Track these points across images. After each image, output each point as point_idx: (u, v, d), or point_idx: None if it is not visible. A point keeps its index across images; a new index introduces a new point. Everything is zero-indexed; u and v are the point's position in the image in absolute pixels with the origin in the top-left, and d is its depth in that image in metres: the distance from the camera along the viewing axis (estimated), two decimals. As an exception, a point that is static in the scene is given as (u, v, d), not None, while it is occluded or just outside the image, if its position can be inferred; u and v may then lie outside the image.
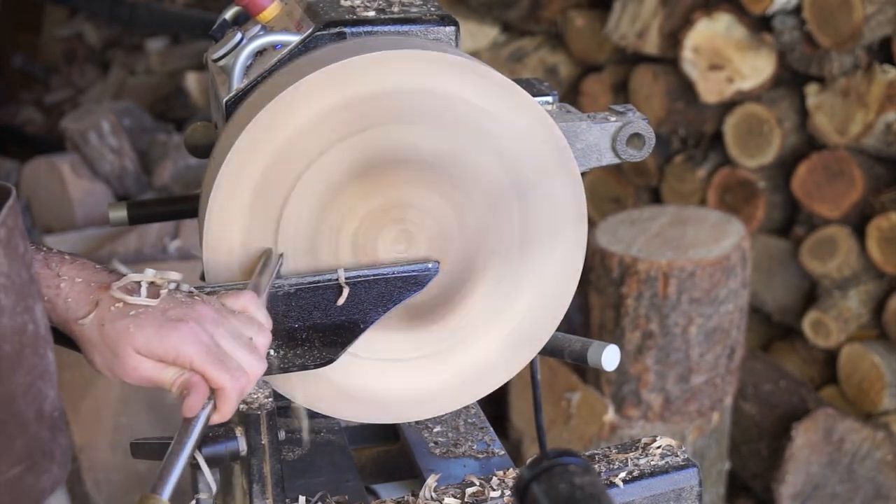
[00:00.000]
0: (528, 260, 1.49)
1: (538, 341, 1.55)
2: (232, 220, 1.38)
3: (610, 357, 1.62)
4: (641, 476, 1.44)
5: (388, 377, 1.51)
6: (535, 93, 1.57)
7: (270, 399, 1.40)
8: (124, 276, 1.28)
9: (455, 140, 1.41)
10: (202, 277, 1.43)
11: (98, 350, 1.24)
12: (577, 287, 1.53)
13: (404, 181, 1.42)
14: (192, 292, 1.31)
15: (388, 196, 1.42)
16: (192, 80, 5.38)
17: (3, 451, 1.00)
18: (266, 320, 1.33)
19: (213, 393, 1.25)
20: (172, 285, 1.29)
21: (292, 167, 1.37)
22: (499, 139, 1.42)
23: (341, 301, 1.41)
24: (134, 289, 1.26)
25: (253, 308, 1.32)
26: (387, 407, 1.53)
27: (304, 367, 1.43)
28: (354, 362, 1.48)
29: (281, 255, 1.40)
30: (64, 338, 1.26)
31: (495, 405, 3.64)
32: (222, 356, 1.24)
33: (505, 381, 1.56)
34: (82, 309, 1.24)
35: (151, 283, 1.27)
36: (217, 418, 1.27)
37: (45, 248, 1.26)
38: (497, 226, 1.46)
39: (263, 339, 1.30)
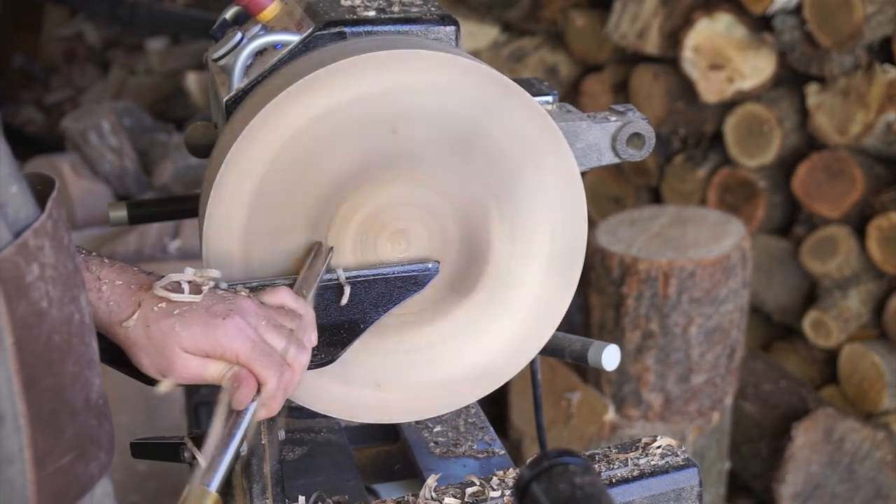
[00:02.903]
0: (526, 257, 1.48)
1: (538, 340, 1.55)
2: (232, 220, 1.38)
3: (610, 357, 1.62)
4: (641, 476, 1.44)
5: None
6: (535, 92, 1.57)
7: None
8: (164, 276, 1.29)
9: (456, 139, 1.41)
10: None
11: (145, 352, 1.25)
12: (577, 287, 1.53)
13: (406, 180, 1.42)
14: (232, 288, 1.32)
15: (389, 195, 1.42)
16: (192, 80, 5.38)
17: (55, 440, 1.01)
18: (306, 312, 1.34)
19: (260, 388, 1.26)
20: (212, 283, 1.30)
21: (292, 167, 1.37)
22: (496, 138, 1.42)
23: (344, 300, 1.41)
24: (175, 288, 1.27)
25: (291, 303, 1.33)
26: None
27: (303, 368, 1.43)
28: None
29: (331, 248, 1.41)
30: (109, 357, 1.27)
31: (495, 405, 3.65)
32: (268, 351, 1.26)
33: (505, 380, 1.55)
34: (125, 311, 1.25)
35: (191, 282, 1.28)
36: (264, 413, 1.28)
37: (83, 252, 1.27)
38: (495, 222, 1.46)
39: (304, 331, 1.32)
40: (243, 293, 1.31)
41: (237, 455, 1.25)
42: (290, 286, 1.37)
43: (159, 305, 1.25)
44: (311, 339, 1.34)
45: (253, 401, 1.26)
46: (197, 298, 1.26)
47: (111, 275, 1.27)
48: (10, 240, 0.95)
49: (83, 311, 1.05)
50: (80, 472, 1.05)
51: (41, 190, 1.03)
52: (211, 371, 1.26)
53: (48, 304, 0.98)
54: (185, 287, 1.27)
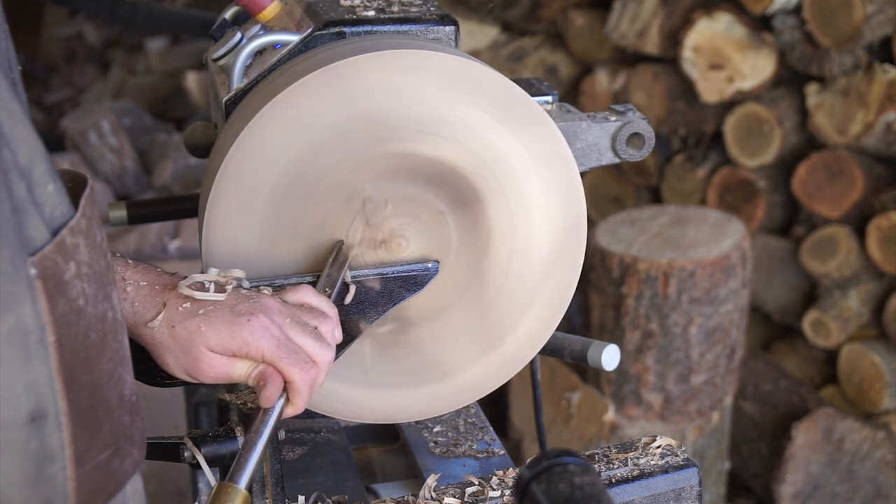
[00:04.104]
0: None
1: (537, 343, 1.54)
2: (232, 220, 1.38)
3: (610, 357, 1.62)
4: (641, 476, 1.44)
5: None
6: (535, 92, 1.57)
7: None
8: (188, 276, 1.30)
9: (454, 137, 1.41)
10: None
11: (171, 352, 1.26)
12: (577, 287, 1.53)
13: (405, 178, 1.42)
14: (255, 287, 1.33)
15: (388, 194, 1.42)
16: (192, 80, 5.38)
17: (93, 437, 1.02)
18: (328, 309, 1.35)
19: (286, 386, 1.27)
20: (235, 282, 1.31)
21: (292, 166, 1.37)
22: (494, 134, 1.42)
23: (348, 299, 1.41)
24: (199, 287, 1.28)
25: (313, 300, 1.34)
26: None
27: (303, 367, 1.43)
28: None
29: (353, 247, 1.42)
30: (140, 370, 1.27)
31: (495, 405, 3.65)
32: (293, 348, 1.27)
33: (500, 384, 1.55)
34: (150, 312, 1.26)
35: (215, 282, 1.29)
36: (290, 411, 1.29)
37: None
38: (496, 221, 1.46)
39: (328, 328, 1.32)
40: (266, 292, 1.32)
41: (265, 452, 1.25)
42: (312, 284, 1.38)
43: (184, 305, 1.26)
44: (336, 335, 1.34)
45: (279, 398, 1.27)
46: (221, 297, 1.27)
47: (135, 276, 1.28)
48: (49, 238, 0.96)
49: (115, 309, 1.06)
50: (115, 468, 1.06)
51: (72, 187, 1.04)
52: (237, 370, 1.27)
53: (84, 302, 0.99)
54: (210, 286, 1.28)
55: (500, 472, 1.47)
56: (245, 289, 1.32)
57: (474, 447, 1.71)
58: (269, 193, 1.38)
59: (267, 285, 1.36)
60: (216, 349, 1.25)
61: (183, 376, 1.28)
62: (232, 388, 1.41)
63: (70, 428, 0.98)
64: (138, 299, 1.26)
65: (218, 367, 1.26)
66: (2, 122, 0.93)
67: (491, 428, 1.77)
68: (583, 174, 1.49)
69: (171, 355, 1.26)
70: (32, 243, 0.94)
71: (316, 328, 1.30)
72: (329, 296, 1.37)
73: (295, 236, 1.41)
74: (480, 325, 1.49)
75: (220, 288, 1.29)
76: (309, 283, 1.39)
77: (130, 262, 1.29)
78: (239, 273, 1.33)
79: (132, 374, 1.10)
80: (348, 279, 1.42)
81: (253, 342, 1.25)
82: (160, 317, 1.25)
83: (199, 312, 1.25)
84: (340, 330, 1.36)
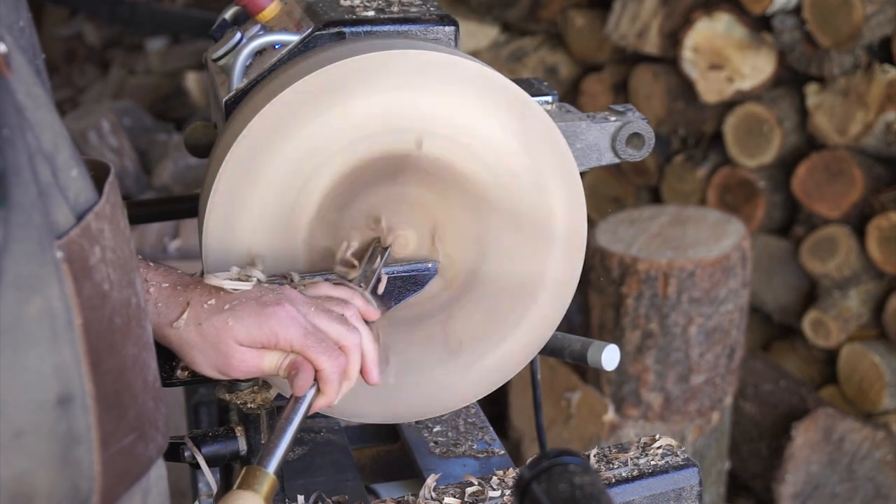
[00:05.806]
0: (527, 259, 1.49)
1: (538, 342, 1.55)
2: (232, 220, 1.38)
3: (610, 357, 1.62)
4: (641, 476, 1.44)
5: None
6: (535, 93, 1.57)
7: (270, 399, 1.41)
8: (209, 274, 1.31)
9: (455, 141, 1.41)
10: (201, 276, 1.43)
11: (199, 350, 1.26)
12: (577, 287, 1.53)
13: (405, 181, 1.42)
14: (274, 282, 1.34)
15: (388, 195, 1.42)
16: (192, 80, 5.38)
17: (118, 421, 1.02)
18: (350, 296, 1.35)
19: (316, 376, 1.27)
20: (255, 279, 1.32)
21: (292, 166, 1.37)
22: (498, 142, 1.42)
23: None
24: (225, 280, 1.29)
25: (333, 293, 1.35)
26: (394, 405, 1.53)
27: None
28: None
29: (389, 245, 1.43)
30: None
31: (495, 405, 3.65)
32: (320, 336, 1.27)
33: (505, 380, 1.55)
34: (174, 312, 1.27)
35: (238, 278, 1.30)
36: (323, 402, 1.29)
37: None
38: (497, 224, 1.46)
39: (352, 313, 1.33)
40: (286, 284, 1.33)
41: (294, 439, 1.26)
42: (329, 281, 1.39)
43: (209, 302, 1.27)
44: (370, 314, 1.35)
45: (311, 388, 1.27)
46: (248, 286, 1.28)
47: (157, 277, 1.29)
48: (74, 223, 0.97)
49: (139, 295, 1.07)
50: (140, 453, 1.06)
51: (94, 176, 1.05)
52: (267, 362, 1.28)
53: (109, 287, 1.00)
54: (235, 276, 1.29)
55: (500, 472, 1.47)
56: (266, 284, 1.33)
57: (474, 447, 1.71)
58: (269, 194, 1.38)
59: (286, 283, 1.37)
60: (245, 342, 1.26)
61: (213, 374, 1.29)
62: (232, 387, 1.41)
63: (96, 411, 0.98)
64: (161, 300, 1.27)
65: (248, 360, 1.27)
66: (26, 107, 0.94)
67: (491, 428, 1.77)
68: (583, 174, 1.49)
69: (200, 353, 1.27)
70: (58, 227, 0.95)
71: (342, 316, 1.31)
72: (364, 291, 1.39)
73: (296, 235, 1.41)
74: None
75: (245, 279, 1.30)
76: (328, 279, 1.39)
77: (152, 264, 1.30)
78: (259, 273, 1.34)
79: (156, 361, 1.11)
80: (382, 274, 1.43)
81: (281, 332, 1.25)
82: (185, 315, 1.26)
83: (225, 308, 1.26)
84: (374, 307, 1.37)
